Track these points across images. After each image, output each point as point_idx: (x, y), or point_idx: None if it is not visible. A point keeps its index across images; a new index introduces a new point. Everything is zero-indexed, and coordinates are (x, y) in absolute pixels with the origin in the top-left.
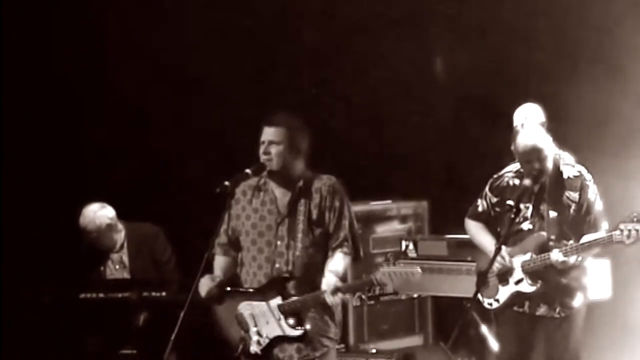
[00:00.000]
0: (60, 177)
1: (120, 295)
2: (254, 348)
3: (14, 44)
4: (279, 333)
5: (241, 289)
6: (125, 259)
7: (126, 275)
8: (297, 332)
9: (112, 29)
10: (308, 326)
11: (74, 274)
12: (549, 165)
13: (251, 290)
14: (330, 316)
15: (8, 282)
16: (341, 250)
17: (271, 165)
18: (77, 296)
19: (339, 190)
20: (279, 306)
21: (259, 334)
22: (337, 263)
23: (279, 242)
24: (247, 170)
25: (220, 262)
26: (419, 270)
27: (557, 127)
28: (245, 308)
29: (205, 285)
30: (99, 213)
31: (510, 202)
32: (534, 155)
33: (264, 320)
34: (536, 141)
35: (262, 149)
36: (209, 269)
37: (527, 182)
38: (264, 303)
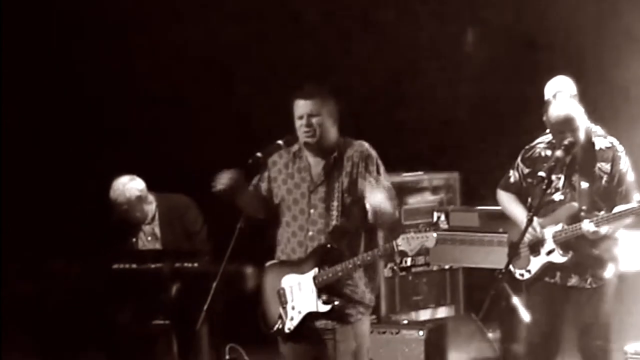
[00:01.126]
0: (92, 149)
1: (152, 266)
2: (288, 325)
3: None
4: (312, 309)
5: (281, 260)
6: (157, 230)
7: (158, 246)
8: (327, 308)
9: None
10: (337, 302)
11: (106, 246)
12: (581, 136)
13: (291, 261)
14: (366, 283)
15: (40, 254)
16: None
17: (313, 137)
18: (110, 267)
19: (371, 155)
20: (314, 278)
21: (293, 309)
22: None
23: (312, 211)
24: (279, 142)
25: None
26: (434, 235)
27: (588, 99)
28: (287, 282)
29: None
30: (128, 185)
31: (542, 174)
32: (566, 126)
33: (300, 294)
34: (569, 112)
35: (301, 122)
36: (240, 241)
37: (559, 153)
38: (302, 276)
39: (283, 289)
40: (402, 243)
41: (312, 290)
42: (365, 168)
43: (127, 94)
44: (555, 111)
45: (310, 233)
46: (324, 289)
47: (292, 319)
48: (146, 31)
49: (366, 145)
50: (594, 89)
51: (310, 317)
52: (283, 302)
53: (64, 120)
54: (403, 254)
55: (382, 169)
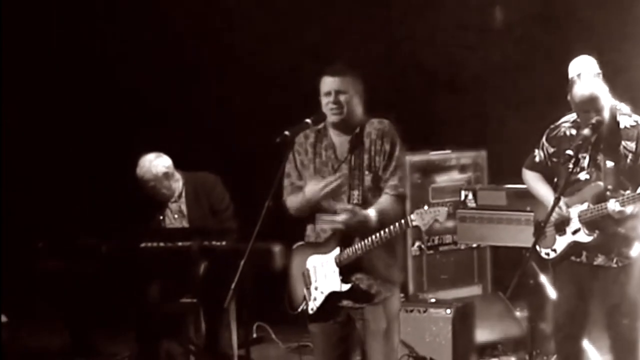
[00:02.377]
0: (119, 128)
1: (180, 244)
2: (311, 305)
3: None
4: (334, 288)
5: (307, 242)
6: (184, 208)
7: (185, 224)
8: (347, 287)
9: None
10: (357, 281)
11: (134, 224)
12: (606, 115)
13: (316, 242)
14: (388, 260)
15: (70, 232)
16: (390, 192)
17: (340, 114)
18: (138, 245)
19: (389, 132)
20: (335, 258)
21: (317, 289)
22: (382, 202)
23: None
24: (307, 120)
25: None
26: (446, 209)
27: (613, 77)
28: (312, 263)
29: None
30: (155, 162)
31: (570, 152)
32: (591, 105)
33: (323, 274)
34: (593, 90)
35: (329, 99)
36: (268, 218)
37: (586, 131)
38: (325, 256)
39: (307, 270)
40: (415, 218)
41: (334, 270)
42: (382, 145)
43: (155, 71)
44: (579, 90)
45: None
46: (345, 268)
47: (315, 299)
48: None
49: (386, 122)
50: (620, 66)
51: (334, 297)
52: (307, 283)
53: (95, 98)
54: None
55: (398, 147)
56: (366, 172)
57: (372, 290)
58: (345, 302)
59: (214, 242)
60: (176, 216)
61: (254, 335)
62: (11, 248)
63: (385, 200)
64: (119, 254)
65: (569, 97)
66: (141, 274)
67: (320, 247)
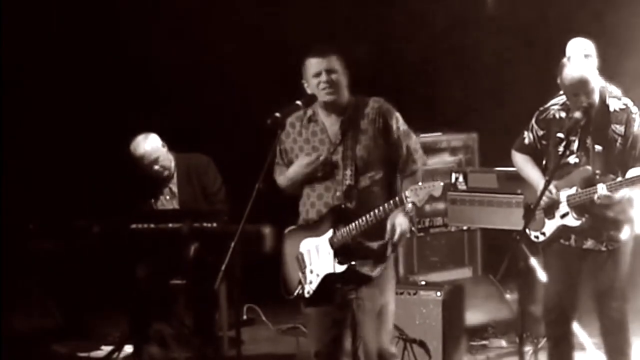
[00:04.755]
0: (111, 110)
1: (171, 225)
2: (307, 289)
3: None
4: (329, 270)
5: (299, 225)
6: (175, 189)
7: (176, 205)
8: (343, 268)
9: None
10: (353, 262)
11: (126, 206)
12: (596, 98)
13: (308, 225)
14: (383, 239)
15: (62, 213)
16: (409, 169)
17: (334, 93)
18: (129, 227)
19: (387, 109)
20: (329, 239)
21: (312, 272)
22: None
23: (335, 171)
24: (298, 102)
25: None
26: (441, 183)
27: (604, 60)
28: (305, 246)
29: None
30: (149, 137)
31: (561, 135)
32: (580, 87)
33: (317, 257)
34: (583, 73)
35: (319, 79)
36: (258, 200)
37: (577, 114)
38: (318, 238)
39: (301, 254)
40: (410, 195)
41: (328, 252)
42: (385, 123)
43: (149, 53)
44: (569, 73)
45: (338, 193)
46: (340, 250)
47: (310, 282)
48: None
49: (381, 100)
50: (611, 48)
51: (329, 279)
52: (302, 267)
53: (86, 81)
54: (409, 200)
55: (401, 120)
56: (362, 154)
57: (367, 271)
58: (340, 284)
59: (204, 224)
60: (167, 197)
61: (244, 317)
62: (3, 229)
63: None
64: (110, 235)
65: (558, 80)
66: (132, 255)
67: (312, 229)
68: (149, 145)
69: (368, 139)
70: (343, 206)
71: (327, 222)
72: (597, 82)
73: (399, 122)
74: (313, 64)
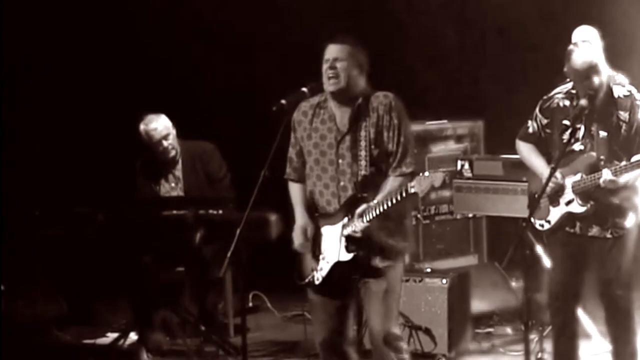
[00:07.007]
0: (118, 96)
1: (176, 213)
2: (317, 276)
3: None
4: (338, 258)
5: (319, 213)
6: (180, 175)
7: (180, 192)
8: (349, 256)
9: None
10: (361, 251)
11: (129, 192)
12: (604, 80)
13: (327, 213)
14: (392, 230)
15: (65, 201)
16: (399, 170)
17: (337, 83)
18: (134, 214)
19: (397, 107)
20: (342, 228)
21: (324, 259)
22: (391, 184)
23: (340, 160)
24: (304, 89)
25: (297, 190)
26: (442, 174)
27: (610, 47)
28: (323, 233)
29: (298, 238)
30: (161, 116)
31: (566, 122)
32: (590, 71)
33: (330, 245)
34: (592, 57)
35: (326, 65)
36: (264, 188)
37: (583, 102)
38: (333, 227)
39: (319, 242)
40: (414, 184)
41: (339, 240)
42: (391, 120)
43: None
44: (578, 57)
45: (342, 183)
46: (350, 238)
47: (321, 269)
48: None
49: (391, 96)
50: (617, 37)
51: (338, 268)
52: (317, 254)
53: (90, 68)
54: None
55: (404, 120)
56: (372, 146)
57: (374, 262)
58: (349, 273)
59: (210, 211)
60: (172, 184)
61: (250, 304)
62: (8, 217)
63: (392, 180)
64: (115, 223)
65: (565, 68)
66: (137, 242)
67: (329, 218)
68: (161, 122)
69: (374, 133)
70: (359, 196)
71: (342, 211)
72: (605, 68)
73: (404, 123)
74: (326, 50)
